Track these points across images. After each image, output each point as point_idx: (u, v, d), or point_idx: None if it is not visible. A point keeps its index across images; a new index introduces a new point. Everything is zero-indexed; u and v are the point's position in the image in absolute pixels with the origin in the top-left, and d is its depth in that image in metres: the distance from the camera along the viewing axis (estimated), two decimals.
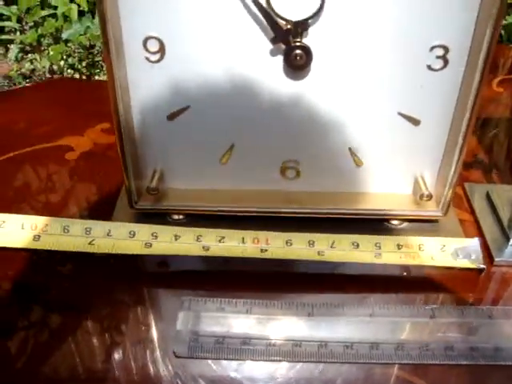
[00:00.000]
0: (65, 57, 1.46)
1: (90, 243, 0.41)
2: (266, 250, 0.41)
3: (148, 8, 0.36)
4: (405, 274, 0.41)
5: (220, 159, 0.43)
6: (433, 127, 0.40)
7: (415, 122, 0.40)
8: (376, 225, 0.44)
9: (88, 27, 1.41)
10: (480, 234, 0.44)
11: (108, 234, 0.41)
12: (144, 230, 0.41)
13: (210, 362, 0.34)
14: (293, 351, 0.35)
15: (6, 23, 1.45)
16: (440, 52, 0.37)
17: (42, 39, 1.46)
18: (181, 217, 0.44)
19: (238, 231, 0.42)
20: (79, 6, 1.41)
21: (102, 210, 0.45)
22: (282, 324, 0.36)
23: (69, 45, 1.46)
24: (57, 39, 1.46)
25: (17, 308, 0.38)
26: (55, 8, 1.43)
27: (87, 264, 0.41)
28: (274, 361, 0.34)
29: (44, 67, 1.45)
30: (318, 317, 0.36)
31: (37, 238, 0.41)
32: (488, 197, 0.47)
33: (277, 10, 0.36)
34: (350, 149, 0.42)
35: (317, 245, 0.41)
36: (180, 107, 0.40)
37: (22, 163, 0.53)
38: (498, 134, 0.58)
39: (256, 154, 0.42)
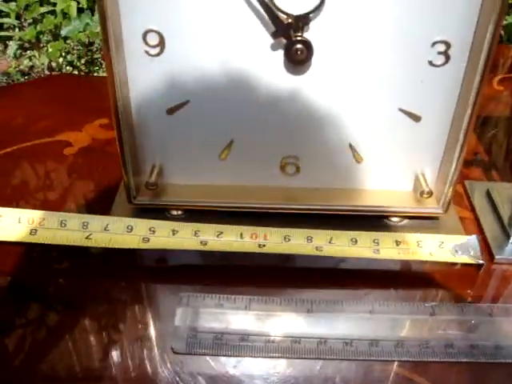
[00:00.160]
0: (64, 54, 1.46)
1: (87, 237, 0.41)
2: (264, 246, 0.40)
3: (148, 1, 0.36)
4: (405, 270, 0.41)
5: (219, 155, 0.42)
6: (434, 124, 0.40)
7: (416, 118, 0.40)
8: (376, 222, 0.44)
9: (87, 24, 1.40)
10: (480, 231, 0.44)
11: (105, 229, 0.41)
12: (142, 225, 0.41)
13: (208, 358, 0.34)
14: (292, 348, 0.34)
15: (5, 20, 1.45)
16: (442, 48, 0.37)
17: (41, 36, 1.46)
18: (179, 212, 0.44)
19: (236, 226, 0.41)
20: (78, 2, 1.41)
21: (100, 205, 0.45)
22: (281, 320, 0.36)
23: (68, 42, 1.46)
24: (56, 36, 1.45)
25: (14, 305, 0.37)
26: (54, 5, 1.42)
27: (85, 261, 0.41)
28: (272, 357, 0.34)
29: (43, 64, 1.45)
30: (317, 313, 0.36)
31: (33, 232, 0.41)
32: (488, 194, 0.47)
33: (278, 4, 0.35)
34: (350, 145, 0.42)
35: (315, 240, 0.41)
36: (180, 101, 0.40)
37: (20, 158, 0.52)
38: (498, 133, 0.58)
39: (255, 150, 0.42)
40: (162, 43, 0.37)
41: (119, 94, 0.38)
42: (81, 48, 1.46)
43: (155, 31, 0.37)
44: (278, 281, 0.40)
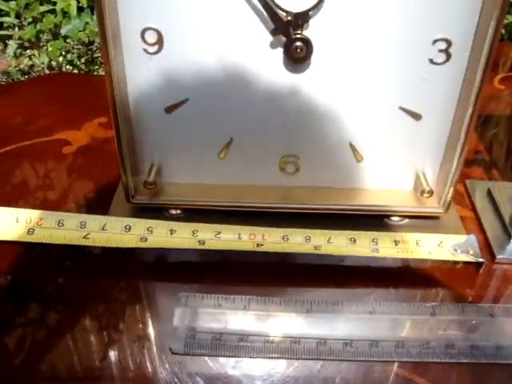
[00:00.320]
0: (63, 53, 1.45)
1: (84, 237, 0.40)
2: (262, 245, 0.40)
3: None
4: (406, 270, 0.40)
5: (218, 154, 0.42)
6: (434, 122, 0.40)
7: (416, 116, 0.40)
8: (376, 221, 0.43)
9: (87, 23, 1.40)
10: (481, 231, 0.43)
11: (103, 228, 0.41)
12: (139, 225, 0.41)
13: (206, 358, 0.34)
14: (291, 348, 0.34)
15: (5, 19, 1.45)
16: (442, 45, 0.37)
17: (41, 35, 1.46)
18: (178, 211, 0.44)
19: (234, 226, 0.41)
20: (78, 1, 1.41)
21: (99, 205, 0.45)
22: (281, 321, 0.36)
23: (68, 41, 1.45)
24: (55, 35, 1.45)
25: (13, 305, 0.37)
26: (54, 4, 1.42)
27: (84, 260, 0.41)
28: (272, 358, 0.34)
29: (43, 63, 1.44)
30: (316, 313, 0.36)
31: (31, 231, 0.41)
32: (489, 194, 0.47)
33: (277, 1, 0.35)
34: (350, 144, 0.41)
35: (313, 240, 0.40)
36: (178, 100, 0.39)
37: (19, 157, 0.52)
38: (500, 132, 0.58)
39: (255, 149, 0.42)
40: (160, 41, 0.37)
41: (117, 93, 0.38)
42: (81, 47, 1.45)
43: (153, 29, 0.37)
44: (277, 281, 0.39)
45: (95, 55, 1.47)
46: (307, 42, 0.36)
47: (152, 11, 0.36)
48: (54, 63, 1.45)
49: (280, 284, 0.39)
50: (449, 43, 0.36)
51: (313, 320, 0.36)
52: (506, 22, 1.31)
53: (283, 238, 0.41)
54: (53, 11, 1.43)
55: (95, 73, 1.46)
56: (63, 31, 1.42)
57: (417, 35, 0.36)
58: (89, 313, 0.37)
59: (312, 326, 0.35)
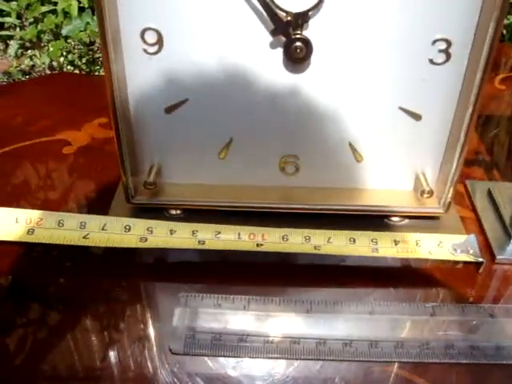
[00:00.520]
0: (64, 53, 1.45)
1: (84, 237, 0.40)
2: (262, 245, 0.40)
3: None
4: (406, 270, 0.40)
5: (218, 154, 0.42)
6: (434, 122, 0.40)
7: (416, 116, 0.40)
8: (376, 221, 0.43)
9: (88, 23, 1.40)
10: (481, 231, 0.43)
11: (103, 228, 0.41)
12: (139, 225, 0.41)
13: (206, 358, 0.34)
14: (291, 348, 0.34)
15: (6, 19, 1.45)
16: (442, 46, 0.37)
17: (42, 35, 1.46)
18: (178, 212, 0.44)
19: (234, 226, 0.41)
20: (79, 2, 1.41)
21: (99, 205, 0.45)
22: (280, 321, 0.36)
23: (69, 41, 1.45)
24: (57, 35, 1.45)
25: (14, 305, 0.37)
26: (55, 4, 1.42)
27: (85, 260, 0.41)
28: (271, 358, 0.34)
29: (44, 63, 1.44)
30: (316, 314, 0.36)
31: (31, 231, 0.41)
32: (490, 194, 0.47)
33: (277, 1, 0.35)
34: (349, 144, 0.41)
35: (313, 240, 0.40)
36: (178, 100, 0.39)
37: (19, 157, 0.52)
38: (500, 132, 0.58)
39: (255, 149, 0.42)
40: (160, 41, 0.37)
41: (117, 93, 0.38)
42: (82, 47, 1.45)
43: (153, 29, 0.37)
44: (277, 281, 0.39)
45: (96, 55, 1.47)
46: (307, 42, 0.36)
47: (152, 11, 0.36)
48: (54, 63, 1.45)
49: (280, 284, 0.39)
50: (449, 43, 0.36)
51: (312, 320, 0.36)
52: (507, 22, 1.31)
53: (283, 237, 0.41)
54: (54, 11, 1.43)
55: (96, 73, 1.46)
56: (64, 31, 1.42)
57: (417, 35, 0.36)
58: (89, 313, 0.37)
59: (312, 326, 0.35)
